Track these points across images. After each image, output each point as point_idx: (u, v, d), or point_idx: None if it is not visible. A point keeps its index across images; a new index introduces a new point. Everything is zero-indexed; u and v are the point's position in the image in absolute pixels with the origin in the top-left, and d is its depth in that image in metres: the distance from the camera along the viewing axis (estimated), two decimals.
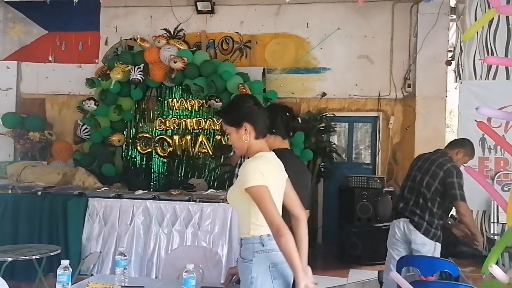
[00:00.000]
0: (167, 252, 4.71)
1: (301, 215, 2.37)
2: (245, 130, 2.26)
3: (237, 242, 4.50)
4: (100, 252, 4.52)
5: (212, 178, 6.74)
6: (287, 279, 2.22)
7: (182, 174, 6.80)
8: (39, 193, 5.03)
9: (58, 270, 2.28)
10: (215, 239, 4.65)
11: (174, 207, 4.75)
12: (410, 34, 6.66)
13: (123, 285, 2.55)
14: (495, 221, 5.10)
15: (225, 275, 2.71)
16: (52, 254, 4.30)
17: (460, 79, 5.38)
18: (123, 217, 4.83)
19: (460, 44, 5.38)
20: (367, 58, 6.83)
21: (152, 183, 6.81)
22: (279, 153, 2.70)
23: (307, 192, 2.87)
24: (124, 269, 2.61)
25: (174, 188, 5.67)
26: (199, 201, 4.73)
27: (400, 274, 3.37)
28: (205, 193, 4.88)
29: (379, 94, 6.75)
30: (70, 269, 2.35)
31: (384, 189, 5.83)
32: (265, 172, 2.19)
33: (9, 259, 4.04)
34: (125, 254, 2.65)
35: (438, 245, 3.63)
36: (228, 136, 2.36)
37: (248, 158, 2.31)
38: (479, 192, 5.23)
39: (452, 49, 5.90)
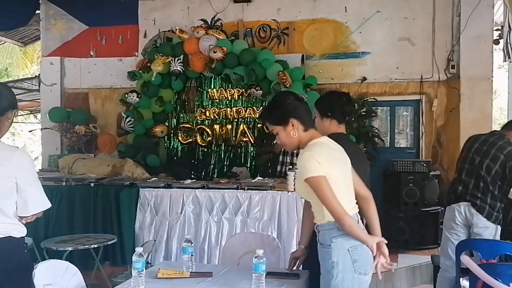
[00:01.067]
0: (217, 240, 4.80)
1: (368, 194, 2.42)
2: (292, 125, 2.33)
3: (286, 229, 4.61)
4: (155, 240, 4.64)
5: (254, 166, 6.79)
6: (368, 260, 2.26)
7: (226, 163, 6.88)
8: (92, 184, 5.18)
9: (133, 257, 2.37)
10: (264, 226, 4.70)
11: (223, 195, 4.82)
12: (453, 13, 6.49)
13: (191, 271, 2.62)
14: None
15: (289, 259, 2.76)
16: (109, 243, 4.46)
17: (509, 58, 5.24)
18: (174, 206, 4.93)
19: (509, 22, 5.22)
20: (408, 40, 6.70)
21: (194, 173, 6.91)
22: (335, 137, 2.72)
23: (366, 177, 2.88)
24: (191, 255, 2.68)
25: (217, 177, 5.78)
26: (248, 189, 4.79)
27: (460, 260, 3.36)
28: (253, 181, 4.94)
29: (421, 76, 6.63)
30: (144, 256, 2.43)
31: (431, 173, 5.76)
32: (322, 160, 2.23)
33: (70, 248, 4.21)
34: (192, 241, 2.72)
35: (499, 228, 3.60)
36: (277, 135, 2.39)
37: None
38: None
39: (500, 28, 5.73)
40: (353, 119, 2.82)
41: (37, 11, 8.00)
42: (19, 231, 2.24)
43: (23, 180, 2.20)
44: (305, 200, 2.71)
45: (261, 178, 5.05)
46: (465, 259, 2.66)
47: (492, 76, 6.29)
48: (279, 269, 2.69)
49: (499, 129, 3.96)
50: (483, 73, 6.27)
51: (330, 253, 2.24)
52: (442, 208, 5.50)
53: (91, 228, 5.03)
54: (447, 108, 6.54)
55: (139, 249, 2.38)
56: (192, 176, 6.59)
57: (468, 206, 3.65)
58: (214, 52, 6.49)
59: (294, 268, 2.72)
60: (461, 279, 3.30)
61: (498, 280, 2.57)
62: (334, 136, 2.73)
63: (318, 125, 2.86)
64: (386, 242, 2.32)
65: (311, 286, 2.56)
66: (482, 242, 3.40)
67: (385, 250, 2.29)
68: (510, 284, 2.52)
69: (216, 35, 6.78)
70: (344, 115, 2.76)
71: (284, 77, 6.24)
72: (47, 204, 2.33)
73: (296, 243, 4.60)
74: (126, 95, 6.98)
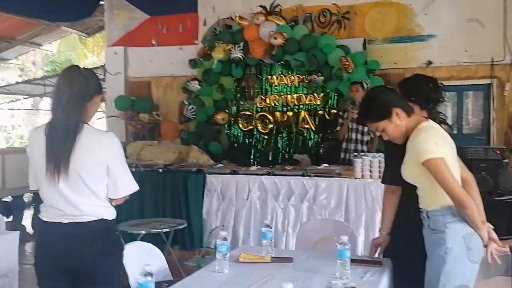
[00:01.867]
0: (283, 226, 4.83)
1: (471, 177, 2.38)
2: (397, 114, 2.29)
3: (354, 216, 4.56)
4: (223, 226, 4.73)
5: (316, 153, 6.75)
6: (481, 248, 2.24)
7: (287, 150, 6.87)
8: (160, 170, 5.33)
9: (217, 241, 2.41)
10: (331, 213, 4.68)
11: (289, 182, 4.83)
12: None
13: (271, 256, 2.65)
14: None
15: (369, 247, 2.73)
16: (180, 227, 4.59)
17: None
18: (240, 192, 4.99)
19: None
20: (477, 21, 6.39)
21: (256, 159, 6.96)
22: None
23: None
24: (271, 240, 2.71)
25: (278, 164, 5.78)
26: (314, 176, 4.77)
27: None
28: (319, 167, 4.90)
29: (492, 59, 6.32)
30: (228, 239, 2.47)
31: (505, 161, 5.50)
32: (439, 141, 2.19)
33: (143, 232, 4.36)
34: (271, 226, 2.74)
35: None
36: (383, 131, 2.34)
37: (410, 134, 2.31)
38: None
39: None
40: (437, 106, 2.71)
41: (101, 2, 8.25)
42: (110, 213, 2.33)
43: (113, 163, 2.28)
44: (386, 185, 2.67)
45: (327, 165, 5.00)
46: None
47: None
48: (358, 256, 2.66)
49: None
50: None
51: (445, 239, 2.21)
52: None
53: (160, 213, 5.19)
54: None
55: (223, 233, 2.43)
56: (254, 163, 6.65)
57: None
58: (275, 39, 6.46)
59: (375, 255, 2.69)
60: None
61: None
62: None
63: None
64: (493, 227, 2.31)
65: (394, 274, 2.52)
66: None
67: (495, 235, 2.24)
68: None
69: (276, 21, 6.74)
70: (428, 101, 2.64)
71: (347, 63, 6.13)
72: (136, 187, 2.41)
73: (364, 230, 4.56)
74: (188, 83, 7.10)
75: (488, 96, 6.41)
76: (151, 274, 1.84)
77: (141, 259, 2.62)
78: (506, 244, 4.01)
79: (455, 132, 6.61)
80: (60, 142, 2.20)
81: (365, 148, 5.62)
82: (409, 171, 2.31)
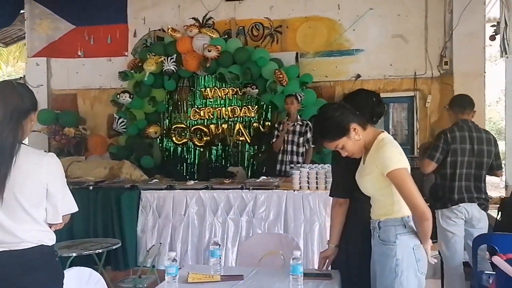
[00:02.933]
0: (223, 241, 4.73)
1: None
2: (355, 130, 2.28)
3: (293, 228, 4.56)
4: (161, 243, 4.54)
5: (251, 165, 6.74)
6: (426, 260, 2.26)
7: (222, 163, 6.81)
8: (91, 188, 5.05)
9: (166, 262, 2.29)
10: (270, 226, 4.65)
11: (227, 195, 4.75)
12: (445, 10, 6.56)
13: (221, 274, 2.56)
14: None
15: (318, 259, 2.72)
16: (114, 247, 4.35)
17: (506, 53, 5.31)
18: (177, 208, 4.84)
19: (505, 18, 5.30)
20: (401, 37, 6.75)
21: (191, 173, 6.83)
22: None
23: None
24: (219, 258, 2.62)
25: (213, 178, 5.70)
26: (253, 189, 4.73)
27: (477, 253, 3.39)
28: (258, 180, 4.88)
29: (415, 73, 6.69)
30: (177, 260, 2.35)
31: None
32: (401, 151, 2.22)
33: (74, 254, 4.08)
34: (219, 244, 2.66)
35: None
36: (342, 149, 2.33)
37: (366, 147, 2.33)
38: None
39: (496, 24, 5.82)
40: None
41: (22, 11, 7.76)
42: (50, 238, 2.15)
43: (54, 186, 2.11)
44: (334, 198, 2.68)
45: (266, 177, 4.99)
46: (497, 260, 2.68)
47: (485, 72, 6.39)
48: (308, 269, 2.64)
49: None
50: (476, 68, 6.35)
51: (394, 251, 2.21)
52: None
53: (91, 233, 4.91)
54: (441, 104, 6.60)
55: (172, 254, 2.31)
56: (188, 177, 6.52)
57: (475, 206, 3.71)
58: (209, 51, 6.41)
59: (324, 268, 2.68)
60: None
61: None
62: None
63: None
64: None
65: (343, 286, 2.53)
66: (498, 236, 3.44)
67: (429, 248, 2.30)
68: None
69: (210, 34, 6.70)
70: (373, 115, 2.66)
71: (281, 76, 6.21)
72: (75, 208, 2.25)
73: (303, 241, 4.58)
74: (118, 96, 6.84)
75: (412, 108, 6.76)
76: None
77: (81, 285, 2.43)
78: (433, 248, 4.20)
79: None
80: None
81: (300, 159, 5.69)
82: (370, 183, 2.31)
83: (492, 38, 5.85)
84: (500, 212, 4.61)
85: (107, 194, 4.97)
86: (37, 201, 2.07)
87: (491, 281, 3.32)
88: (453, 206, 3.72)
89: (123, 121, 6.93)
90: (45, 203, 2.10)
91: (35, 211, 2.07)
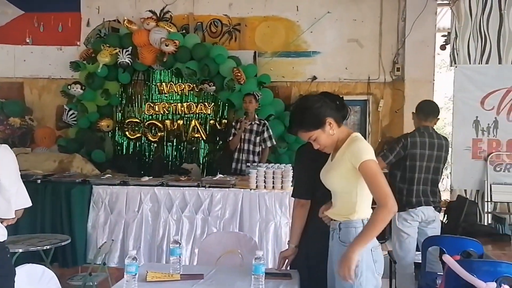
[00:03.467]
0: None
1: None
2: (330, 124, 2.30)
3: (248, 227, 4.57)
4: (113, 240, 4.42)
5: (206, 163, 6.70)
6: (382, 261, 2.31)
7: (177, 160, 6.72)
8: (39, 181, 4.84)
9: (126, 260, 2.22)
10: (225, 225, 4.64)
11: (183, 193, 4.70)
12: (399, 18, 6.77)
13: (180, 273, 2.52)
14: (489, 199, 5.37)
15: (278, 259, 2.74)
16: (63, 243, 4.20)
17: (455, 63, 5.56)
18: (130, 204, 4.74)
19: (455, 29, 5.54)
20: (357, 42, 6.90)
21: (144, 169, 6.68)
22: None
23: None
24: (179, 257, 2.58)
25: (167, 174, 5.62)
26: (209, 187, 4.70)
27: (426, 255, 3.52)
28: (215, 178, 4.85)
29: (369, 77, 6.86)
30: (137, 259, 2.29)
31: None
32: (372, 149, 2.25)
33: (20, 250, 3.91)
34: (180, 242, 2.62)
35: None
36: (315, 141, 2.35)
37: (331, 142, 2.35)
38: (473, 173, 5.50)
39: (446, 34, 6.07)
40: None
41: None
42: (1, 234, 2.04)
43: (7, 179, 2.01)
44: (296, 199, 2.70)
45: (222, 176, 4.97)
46: (447, 259, 2.79)
47: (434, 80, 6.66)
48: (267, 269, 2.65)
49: None
50: (425, 76, 6.59)
51: None
52: None
53: (38, 228, 4.72)
54: (392, 108, 6.83)
55: (132, 252, 2.25)
56: (142, 172, 6.38)
57: (430, 209, 3.86)
58: (166, 45, 6.30)
59: (283, 267, 2.70)
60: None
61: (475, 276, 2.70)
62: None
63: None
64: None
65: (302, 286, 2.56)
66: (446, 238, 3.59)
67: None
68: (486, 282, 2.65)
69: (167, 28, 6.59)
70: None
71: (239, 74, 6.20)
72: (29, 202, 2.16)
73: (258, 240, 4.59)
74: (69, 87, 6.61)
75: (365, 111, 6.94)
76: None
77: (33, 282, 2.33)
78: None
79: None
80: None
81: (256, 158, 5.71)
82: (338, 178, 2.32)
83: (443, 47, 6.10)
84: (446, 215, 4.84)
85: (57, 188, 4.79)
86: None
87: (438, 281, 3.47)
88: (411, 209, 3.83)
89: (73, 113, 6.69)
90: None
91: None
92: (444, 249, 3.50)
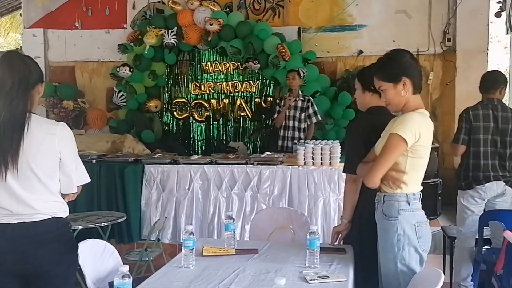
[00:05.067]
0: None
1: None
2: (404, 85, 2.24)
3: (297, 203, 4.58)
4: (166, 217, 4.55)
5: (252, 141, 6.74)
6: (429, 237, 2.26)
7: (223, 138, 6.79)
8: (94, 161, 5.02)
9: (183, 235, 2.30)
10: (274, 202, 4.67)
11: (232, 170, 4.75)
12: None
13: (235, 248, 2.57)
14: None
15: (331, 234, 2.74)
16: (119, 220, 4.36)
17: (511, 31, 5.29)
18: (181, 182, 4.84)
19: None
20: (404, 12, 6.68)
21: (192, 148, 6.82)
22: (377, 110, 2.69)
23: None
24: (233, 232, 2.63)
25: (214, 153, 5.70)
26: (257, 164, 4.73)
27: (483, 230, 3.42)
28: (263, 155, 4.87)
29: (417, 49, 6.62)
30: (194, 234, 2.35)
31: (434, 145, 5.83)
32: (423, 132, 2.18)
33: (80, 227, 4.08)
34: (234, 218, 2.66)
35: None
36: (382, 92, 2.31)
37: (399, 114, 2.30)
38: None
39: (501, 1, 5.77)
40: None
41: None
42: (64, 210, 2.15)
43: (67, 155, 2.10)
44: (347, 175, 2.69)
45: (270, 153, 4.99)
46: (507, 234, 2.71)
47: (488, 49, 6.37)
48: (321, 244, 2.66)
49: None
50: (479, 46, 6.31)
51: (396, 226, 2.22)
52: (441, 180, 5.60)
53: (95, 206, 4.89)
54: (443, 81, 6.60)
55: (189, 227, 2.31)
56: (190, 151, 6.51)
57: (499, 183, 3.69)
58: (211, 25, 6.31)
59: (336, 242, 2.70)
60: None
61: None
62: (377, 109, 2.70)
63: (358, 98, 2.82)
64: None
65: (356, 261, 2.56)
66: (505, 212, 3.48)
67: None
68: None
69: (211, 7, 6.59)
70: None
71: (284, 50, 6.15)
72: (88, 178, 2.25)
73: (308, 217, 4.60)
74: (118, 69, 6.76)
75: None
76: (128, 276, 1.69)
77: (96, 258, 2.44)
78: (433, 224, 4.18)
79: None
80: (6, 135, 1.97)
81: (302, 135, 5.68)
82: (381, 143, 2.28)
83: (498, 15, 5.80)
84: None
85: (111, 167, 4.95)
86: (51, 170, 2.06)
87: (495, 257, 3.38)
88: (478, 186, 3.71)
89: (123, 95, 6.86)
90: (59, 174, 2.09)
91: (50, 181, 2.06)
92: (503, 224, 3.40)
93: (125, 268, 1.69)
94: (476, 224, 3.64)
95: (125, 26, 7.33)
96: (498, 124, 3.71)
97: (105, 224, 4.23)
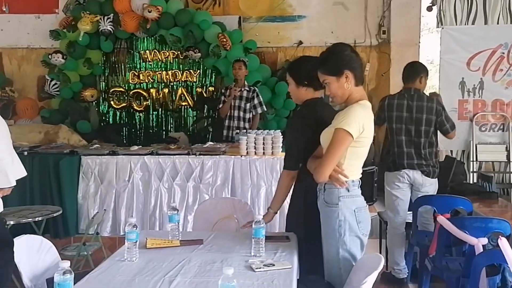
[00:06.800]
0: (168, 206, 4.68)
1: None
2: (346, 77, 2.28)
3: (240, 193, 4.59)
4: (105, 210, 4.41)
5: (194, 131, 6.66)
6: (368, 222, 2.33)
7: (163, 128, 6.67)
8: (26, 153, 4.77)
9: (126, 228, 2.23)
10: (217, 192, 4.66)
11: (173, 161, 4.68)
12: None
13: (180, 239, 2.53)
14: (474, 159, 5.48)
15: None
16: (55, 215, 4.18)
17: (441, 24, 5.55)
18: (121, 174, 4.71)
19: None
20: (342, 4, 6.83)
21: (131, 138, 6.64)
22: (314, 102, 2.73)
23: None
24: (177, 223, 2.59)
25: (154, 143, 5.58)
26: (199, 154, 4.69)
27: (417, 215, 3.59)
28: (205, 146, 4.83)
29: (355, 41, 6.80)
30: (137, 226, 2.29)
31: None
32: (366, 124, 2.23)
33: (12, 222, 3.88)
34: (177, 209, 2.62)
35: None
36: (326, 85, 2.34)
37: (337, 106, 2.33)
38: (459, 133, 5.58)
39: None
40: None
41: None
42: None
43: (2, 149, 1.97)
44: (285, 170, 2.71)
45: (212, 143, 4.95)
46: (440, 218, 2.86)
47: (420, 42, 6.65)
48: (267, 232, 2.67)
49: None
50: (411, 38, 6.57)
51: (337, 212, 2.28)
52: (377, 168, 5.81)
53: (28, 200, 4.66)
54: (378, 72, 6.83)
55: (132, 220, 2.25)
56: (128, 142, 6.34)
57: (416, 172, 3.81)
58: (149, 12, 6.14)
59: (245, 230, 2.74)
60: None
61: (467, 233, 2.79)
62: (312, 102, 2.73)
63: (293, 93, 2.79)
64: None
65: (300, 248, 2.60)
66: (437, 197, 3.67)
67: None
68: (478, 238, 2.73)
69: None
70: (321, 83, 2.68)
71: (225, 40, 6.10)
72: (24, 172, 2.13)
73: (251, 206, 4.63)
74: (50, 56, 6.44)
75: None
76: (70, 271, 1.62)
77: (32, 254, 2.32)
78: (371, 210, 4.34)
79: None
80: None
81: (247, 125, 5.68)
82: (325, 137, 2.32)
83: (429, 8, 6.06)
84: None
85: (44, 159, 4.72)
86: None
87: (428, 240, 3.57)
88: (395, 171, 3.87)
89: (56, 84, 6.54)
90: None
91: None
92: (434, 208, 3.59)
93: (66, 264, 1.62)
94: (402, 209, 3.83)
95: (56, 11, 6.98)
96: (412, 114, 3.82)
97: (40, 218, 4.05)
